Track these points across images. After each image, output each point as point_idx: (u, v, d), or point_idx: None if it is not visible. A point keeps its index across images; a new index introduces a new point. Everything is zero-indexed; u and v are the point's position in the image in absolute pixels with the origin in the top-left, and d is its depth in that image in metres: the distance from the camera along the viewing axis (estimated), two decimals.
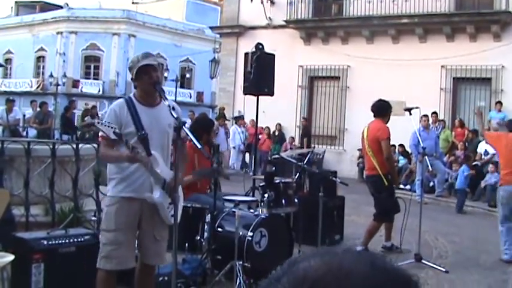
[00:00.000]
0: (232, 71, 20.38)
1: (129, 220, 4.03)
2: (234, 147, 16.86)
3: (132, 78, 4.13)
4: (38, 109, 17.70)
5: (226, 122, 16.68)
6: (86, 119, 18.92)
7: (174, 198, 3.88)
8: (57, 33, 37.28)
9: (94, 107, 21.93)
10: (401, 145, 15.04)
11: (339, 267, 0.74)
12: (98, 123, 3.75)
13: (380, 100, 7.54)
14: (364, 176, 9.05)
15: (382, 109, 7.37)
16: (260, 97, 8.31)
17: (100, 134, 3.95)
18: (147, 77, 4.01)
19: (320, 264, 0.75)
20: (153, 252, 4.19)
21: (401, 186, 12.82)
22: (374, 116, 7.42)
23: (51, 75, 35.03)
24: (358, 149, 17.12)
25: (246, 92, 8.43)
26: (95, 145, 6.60)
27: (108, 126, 3.73)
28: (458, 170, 13.61)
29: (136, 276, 4.27)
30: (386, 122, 7.36)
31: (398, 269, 0.78)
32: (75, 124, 18.72)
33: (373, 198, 7.38)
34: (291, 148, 16.74)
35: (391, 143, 7.82)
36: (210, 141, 6.23)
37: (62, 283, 4.46)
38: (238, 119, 17.13)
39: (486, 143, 10.59)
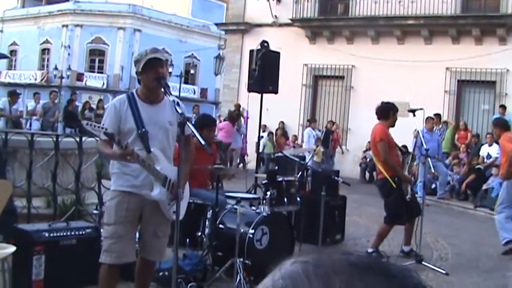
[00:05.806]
0: (236, 68, 20.38)
1: (129, 214, 4.02)
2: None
3: (137, 72, 4.06)
4: (44, 101, 17.81)
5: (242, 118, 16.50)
6: (85, 112, 18.92)
7: (177, 194, 3.86)
8: (63, 26, 37.33)
9: (100, 100, 21.89)
10: (404, 146, 14.97)
11: None
12: (87, 124, 3.67)
13: (383, 102, 7.24)
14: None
15: (382, 111, 7.08)
16: (264, 95, 8.32)
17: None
18: (152, 72, 3.94)
19: None
20: (153, 248, 4.18)
21: None
22: (377, 118, 7.15)
23: (55, 68, 35.05)
24: (364, 151, 17.21)
25: (250, 89, 8.44)
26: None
27: (98, 127, 3.68)
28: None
29: (137, 270, 4.27)
30: (391, 125, 7.06)
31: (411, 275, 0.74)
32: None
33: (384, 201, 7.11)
34: (293, 146, 16.69)
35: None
36: (210, 138, 6.21)
37: (62, 275, 4.48)
38: (312, 122, 16.75)
39: None
